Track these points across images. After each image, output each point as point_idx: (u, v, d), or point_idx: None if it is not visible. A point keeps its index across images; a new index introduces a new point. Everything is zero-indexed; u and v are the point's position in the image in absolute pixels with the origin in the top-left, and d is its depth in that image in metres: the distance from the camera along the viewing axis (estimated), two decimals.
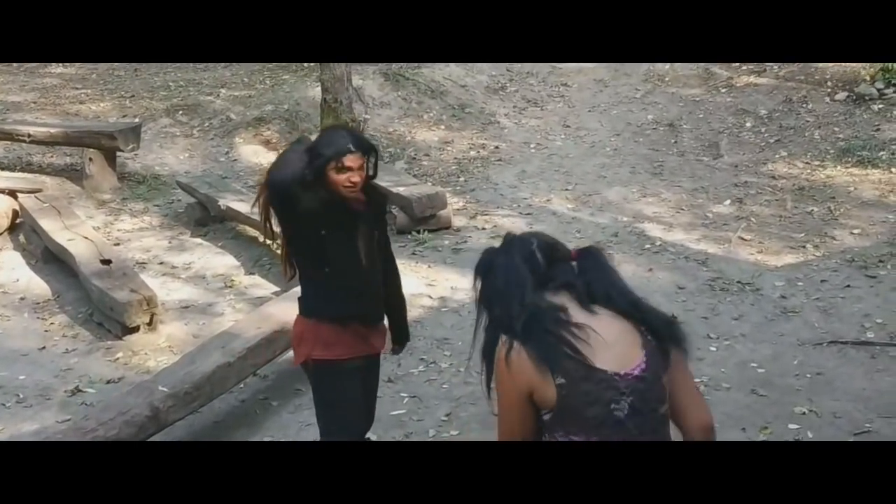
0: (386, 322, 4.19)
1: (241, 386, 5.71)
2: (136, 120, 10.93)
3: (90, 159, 9.65)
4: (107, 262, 7.08)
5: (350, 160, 3.73)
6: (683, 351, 2.56)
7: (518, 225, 8.79)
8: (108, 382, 5.99)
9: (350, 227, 3.83)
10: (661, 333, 2.50)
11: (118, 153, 9.81)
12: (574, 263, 2.56)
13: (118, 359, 6.30)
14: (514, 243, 2.59)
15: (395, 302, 4.20)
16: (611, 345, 2.41)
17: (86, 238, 7.60)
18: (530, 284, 2.48)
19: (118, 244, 8.33)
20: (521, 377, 2.41)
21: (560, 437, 2.44)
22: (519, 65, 13.58)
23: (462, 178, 10.24)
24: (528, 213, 9.14)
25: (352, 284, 3.86)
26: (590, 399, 2.38)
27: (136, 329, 6.53)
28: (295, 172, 3.70)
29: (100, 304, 6.73)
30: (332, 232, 3.79)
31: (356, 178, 3.74)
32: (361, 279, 3.90)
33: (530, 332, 2.41)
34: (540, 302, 2.45)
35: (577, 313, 2.45)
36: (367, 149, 3.84)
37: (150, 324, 6.58)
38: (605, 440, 2.42)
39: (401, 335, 4.30)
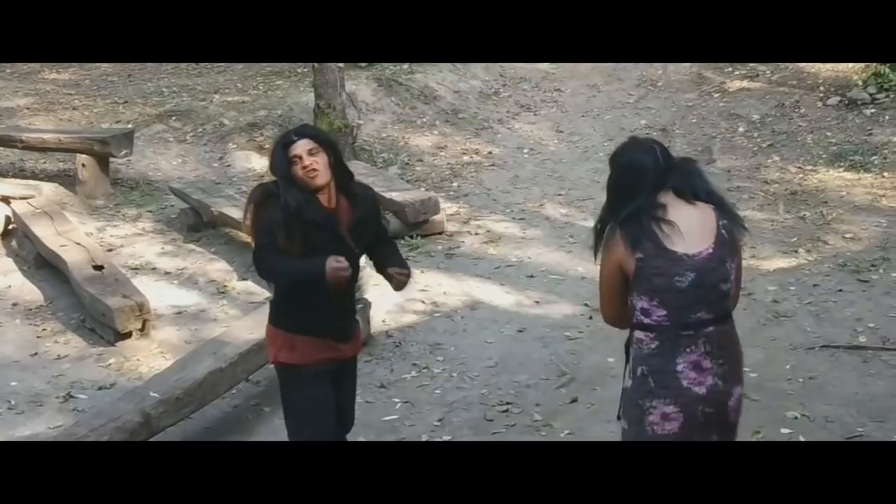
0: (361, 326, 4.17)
1: (234, 392, 5.70)
2: (129, 126, 10.92)
3: (83, 165, 9.63)
4: (99, 267, 7.07)
5: (297, 149, 3.69)
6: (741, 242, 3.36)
7: (511, 230, 8.80)
8: (101, 389, 5.98)
9: (330, 249, 3.73)
10: (731, 224, 3.27)
11: (111, 159, 9.79)
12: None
13: (110, 365, 6.29)
14: (644, 146, 3.33)
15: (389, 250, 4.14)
16: (688, 233, 3.17)
17: (78, 244, 7.59)
18: (648, 184, 3.21)
19: (111, 250, 8.32)
20: (615, 251, 3.23)
21: (635, 299, 3.23)
22: (512, 70, 13.58)
23: (455, 184, 10.24)
24: (522, 218, 9.14)
25: (324, 305, 3.80)
26: (658, 271, 3.16)
27: (128, 335, 6.51)
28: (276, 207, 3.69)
29: (92, 310, 6.72)
30: (311, 252, 3.72)
31: (307, 162, 3.68)
32: (335, 300, 3.85)
33: (628, 221, 3.20)
34: (647, 200, 3.20)
35: (675, 209, 3.20)
36: (312, 133, 3.79)
37: (142, 330, 6.57)
38: (667, 304, 3.17)
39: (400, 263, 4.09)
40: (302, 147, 3.69)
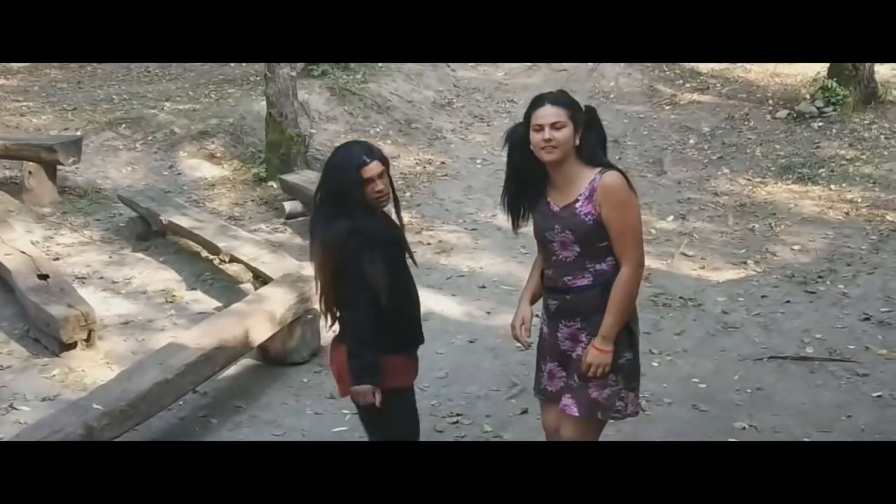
0: None
1: (180, 403, 5.62)
2: (78, 133, 10.77)
3: (30, 172, 9.49)
4: (44, 277, 6.94)
5: (370, 171, 3.66)
6: None
7: (464, 241, 8.80)
8: (44, 400, 5.86)
9: (399, 256, 3.80)
10: None
11: (59, 166, 9.65)
12: None
13: (54, 376, 6.17)
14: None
15: None
16: None
17: (23, 252, 7.45)
18: None
19: (57, 259, 8.19)
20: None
21: None
22: (465, 80, 13.62)
23: (408, 194, 10.22)
24: (474, 229, 9.14)
25: (407, 311, 3.86)
26: None
27: (73, 345, 6.39)
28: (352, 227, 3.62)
29: (36, 319, 6.59)
30: (386, 266, 3.71)
31: (381, 186, 3.69)
32: (412, 304, 3.91)
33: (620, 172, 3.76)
34: None
35: None
36: (381, 155, 3.78)
37: (87, 340, 6.45)
38: None
39: None
40: (374, 170, 3.67)
